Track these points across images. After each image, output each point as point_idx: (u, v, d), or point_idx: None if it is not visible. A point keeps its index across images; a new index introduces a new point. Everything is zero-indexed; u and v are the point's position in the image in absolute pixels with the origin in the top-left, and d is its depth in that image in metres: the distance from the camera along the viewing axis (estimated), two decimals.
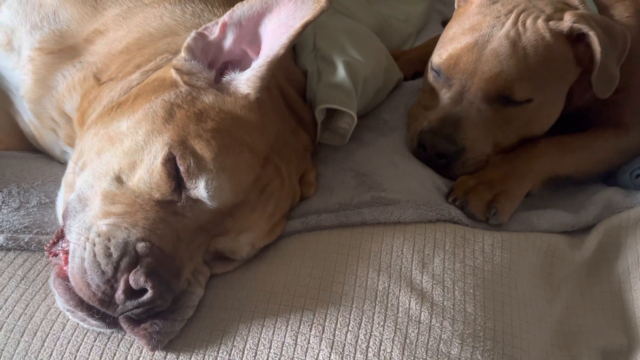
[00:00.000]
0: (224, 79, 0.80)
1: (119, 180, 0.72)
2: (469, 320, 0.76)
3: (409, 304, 0.75)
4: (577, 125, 1.09)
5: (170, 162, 0.70)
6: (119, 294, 0.65)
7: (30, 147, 1.03)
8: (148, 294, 0.65)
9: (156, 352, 0.70)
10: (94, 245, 0.67)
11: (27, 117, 0.98)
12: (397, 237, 0.82)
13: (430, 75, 1.03)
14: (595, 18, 0.96)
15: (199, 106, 0.75)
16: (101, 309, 0.66)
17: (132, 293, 0.66)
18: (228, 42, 0.80)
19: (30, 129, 0.99)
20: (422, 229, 0.84)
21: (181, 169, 0.70)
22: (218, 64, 0.81)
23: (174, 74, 0.78)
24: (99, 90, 0.88)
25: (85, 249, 0.67)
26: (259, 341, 0.71)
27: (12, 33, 0.97)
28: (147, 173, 0.71)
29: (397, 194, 0.87)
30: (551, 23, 0.94)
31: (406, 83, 1.17)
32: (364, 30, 1.11)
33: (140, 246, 0.67)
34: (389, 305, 0.75)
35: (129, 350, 0.70)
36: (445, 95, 0.99)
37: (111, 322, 0.68)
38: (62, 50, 0.94)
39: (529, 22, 0.95)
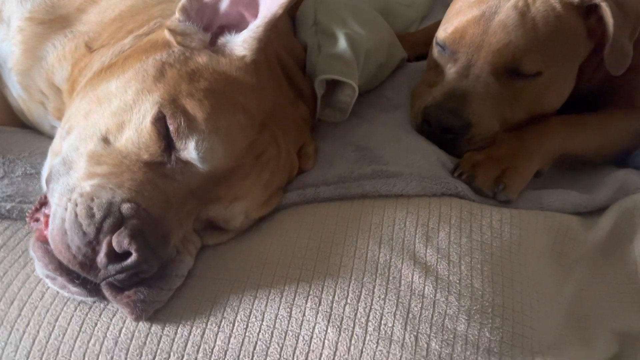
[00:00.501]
0: (219, 41, 0.76)
1: (105, 141, 0.68)
2: (477, 296, 0.71)
3: (412, 278, 0.71)
4: (588, 109, 1.05)
5: (160, 121, 0.66)
6: (101, 257, 0.61)
7: (19, 123, 0.99)
8: (132, 258, 0.61)
9: (140, 323, 0.65)
10: (76, 205, 0.63)
11: (16, 90, 0.94)
12: (400, 210, 0.78)
13: (435, 51, 0.99)
14: None
15: (191, 66, 0.71)
16: (82, 274, 0.62)
17: (115, 256, 0.61)
18: (224, 4, 0.76)
19: (18, 103, 0.96)
20: (426, 202, 0.80)
21: (171, 128, 0.66)
22: (214, 27, 0.78)
23: (167, 34, 0.75)
24: (90, 57, 0.84)
25: (66, 209, 0.63)
26: (250, 313, 0.66)
27: (2, 4, 0.94)
28: (136, 133, 0.67)
29: (400, 167, 0.83)
30: None
31: (410, 64, 1.13)
32: (366, 8, 1.08)
33: (126, 207, 0.63)
34: (391, 278, 0.70)
35: (111, 320, 0.65)
36: (451, 70, 0.95)
37: (92, 290, 0.64)
38: (53, 20, 0.91)
39: None
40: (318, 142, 0.90)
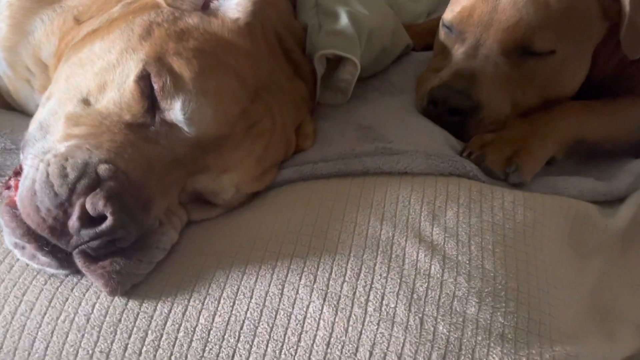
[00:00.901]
0: (212, 4, 0.71)
1: (86, 102, 0.63)
2: (488, 278, 0.64)
3: (417, 256, 0.64)
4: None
5: (144, 80, 0.62)
6: (73, 221, 0.55)
7: (5, 105, 0.95)
8: (107, 222, 0.55)
9: (116, 298, 0.59)
10: (48, 165, 0.57)
11: (1, 68, 0.90)
12: (404, 188, 0.72)
13: (442, 33, 0.95)
14: None
15: (181, 25, 0.67)
16: (52, 240, 0.56)
17: (88, 221, 0.55)
18: None
19: (4, 82, 0.91)
20: (432, 181, 0.74)
21: (156, 87, 0.61)
22: None
23: None
24: (78, 29, 0.80)
25: (37, 169, 0.58)
26: (238, 289, 0.60)
27: None
28: (118, 92, 0.62)
29: (405, 146, 0.77)
30: None
31: (416, 53, 1.08)
32: None
33: (103, 168, 0.57)
34: (393, 256, 0.64)
35: (84, 295, 0.59)
36: (459, 51, 0.90)
37: (64, 260, 0.58)
38: None
39: None
40: (318, 122, 0.85)
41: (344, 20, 0.87)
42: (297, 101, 0.81)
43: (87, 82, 0.64)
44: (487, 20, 0.87)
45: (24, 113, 0.93)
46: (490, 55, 0.87)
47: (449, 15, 0.92)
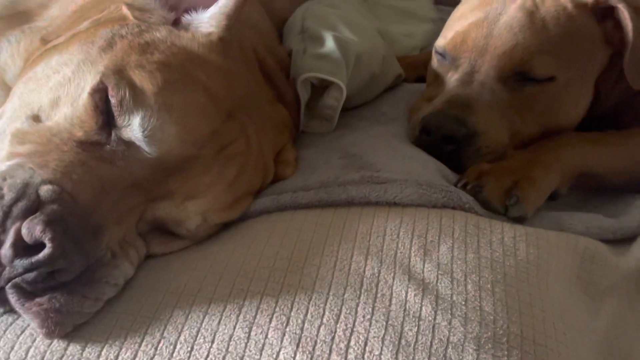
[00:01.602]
0: (183, 18, 0.66)
1: (35, 118, 0.57)
2: (487, 322, 0.56)
3: (406, 295, 0.56)
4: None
5: (100, 93, 0.55)
6: (6, 249, 0.48)
7: None
8: (45, 250, 0.47)
9: (54, 341, 0.50)
10: None
11: None
12: (393, 220, 0.64)
13: (435, 60, 0.89)
14: None
15: (146, 38, 0.61)
16: None
17: (24, 249, 0.48)
18: None
19: None
20: (424, 213, 0.66)
21: (113, 101, 0.55)
22: (180, 9, 0.68)
23: (124, 9, 0.65)
24: (43, 49, 0.75)
25: None
26: (198, 332, 0.52)
27: None
28: (71, 107, 0.56)
29: (394, 174, 0.70)
30: None
31: (408, 84, 1.03)
32: (360, 20, 0.99)
33: (45, 189, 0.50)
34: (379, 295, 0.56)
35: (17, 337, 0.51)
36: (453, 78, 0.84)
37: None
38: (12, 15, 0.83)
39: None
40: (300, 150, 0.78)
41: (329, 44, 0.82)
42: (278, 126, 0.75)
43: (40, 98, 0.58)
44: (482, 46, 0.82)
45: None
46: (487, 81, 0.81)
47: (442, 41, 0.87)
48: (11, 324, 0.52)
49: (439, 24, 1.41)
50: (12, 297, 0.49)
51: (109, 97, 0.55)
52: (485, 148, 0.79)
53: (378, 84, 0.92)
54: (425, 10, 1.41)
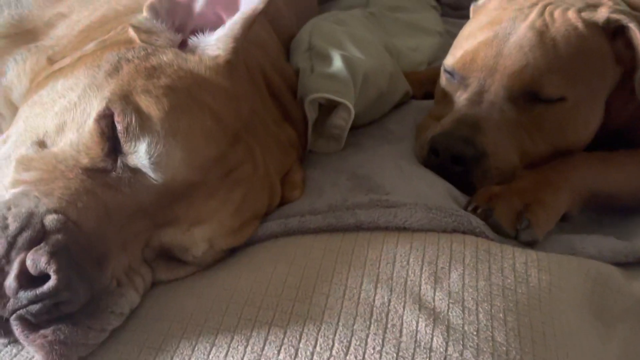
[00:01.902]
0: (190, 41, 0.65)
1: (41, 144, 0.56)
2: (500, 352, 0.55)
3: (417, 326, 0.55)
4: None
5: (106, 119, 0.55)
6: (10, 280, 0.47)
7: None
8: (50, 282, 0.47)
9: None
10: None
11: None
12: (402, 245, 0.63)
13: (443, 79, 0.89)
14: (634, 13, 0.82)
15: (152, 62, 0.60)
16: None
17: (29, 281, 0.47)
18: (199, 4, 0.67)
19: None
20: (434, 238, 0.65)
21: (119, 127, 0.54)
22: (187, 30, 0.68)
23: (130, 32, 0.65)
24: (50, 69, 0.74)
25: None
26: None
27: None
28: (76, 133, 0.55)
29: (403, 198, 0.69)
30: (584, 14, 0.81)
31: (416, 101, 1.02)
32: (367, 36, 0.98)
33: (50, 219, 0.49)
34: (389, 325, 0.55)
35: None
36: (462, 97, 0.84)
37: (1, 327, 0.49)
38: (19, 34, 0.82)
39: (557, 13, 0.81)
40: (308, 170, 0.77)
41: (337, 63, 0.81)
42: (285, 146, 0.74)
43: (45, 123, 0.58)
44: (492, 65, 0.81)
45: None
46: (496, 101, 0.80)
47: (450, 60, 0.86)
48: (15, 355, 0.51)
49: (446, 36, 1.41)
50: (17, 329, 0.48)
51: (115, 123, 0.54)
52: (495, 169, 0.78)
53: (386, 102, 0.91)
54: (432, 22, 1.40)
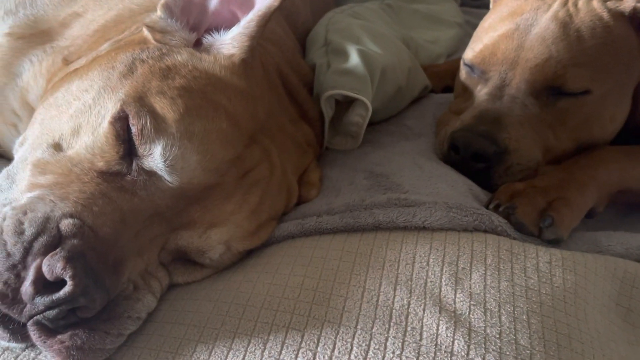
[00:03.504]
0: (204, 40, 0.65)
1: (56, 147, 0.56)
2: (524, 357, 0.53)
3: (437, 329, 0.54)
4: None
5: (120, 122, 0.54)
6: (27, 286, 0.47)
7: None
8: (66, 288, 0.46)
9: None
10: (4, 219, 0.50)
11: None
12: (422, 245, 0.62)
13: (463, 73, 0.87)
14: None
15: (167, 62, 0.60)
16: (1, 309, 0.48)
17: (45, 286, 0.47)
18: (214, 2, 0.66)
19: None
20: (454, 237, 0.64)
21: (134, 129, 0.54)
22: (201, 29, 0.67)
23: (145, 31, 0.64)
24: (65, 70, 0.74)
25: None
26: None
27: None
28: (91, 136, 0.55)
29: (422, 197, 0.67)
30: (609, 3, 0.78)
31: (435, 95, 1.00)
32: (385, 30, 0.97)
33: (66, 223, 0.49)
34: (409, 328, 0.54)
35: None
36: (482, 92, 0.81)
37: (18, 332, 0.49)
38: (34, 34, 0.82)
39: (581, 3, 0.79)
40: (324, 169, 0.76)
41: (354, 58, 0.79)
42: (302, 145, 0.73)
43: (61, 125, 0.57)
44: (513, 59, 0.78)
45: (7, 157, 0.87)
46: (518, 95, 0.78)
47: (470, 53, 0.84)
48: (34, 359, 0.51)
49: (466, 27, 1.38)
50: (34, 334, 0.48)
51: (130, 125, 0.54)
52: (517, 165, 0.76)
53: (404, 97, 0.89)
54: (451, 14, 1.38)
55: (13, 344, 0.51)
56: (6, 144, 0.85)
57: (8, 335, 0.49)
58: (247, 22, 0.62)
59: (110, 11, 0.79)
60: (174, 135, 0.54)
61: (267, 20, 0.62)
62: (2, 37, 0.82)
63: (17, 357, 0.51)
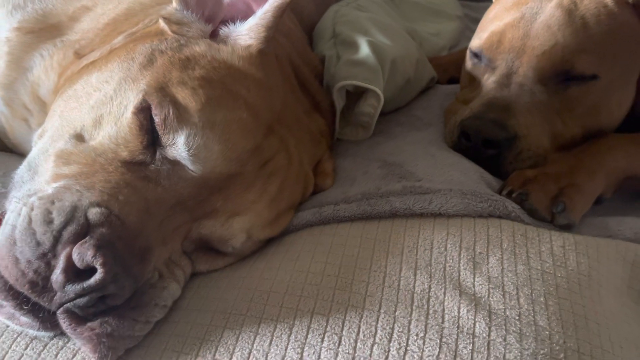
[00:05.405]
0: (221, 31, 0.65)
1: (79, 138, 0.56)
2: (543, 337, 0.54)
3: (459, 312, 0.55)
4: None
5: (144, 112, 0.55)
6: (57, 274, 0.47)
7: (1, 146, 0.89)
8: (97, 275, 0.47)
9: None
10: (32, 209, 0.50)
11: None
12: (439, 231, 0.63)
13: (469, 62, 0.88)
14: None
15: (186, 53, 0.60)
16: (32, 297, 0.48)
17: (75, 274, 0.48)
18: None
19: (0, 121, 0.85)
20: (470, 223, 0.65)
21: (157, 119, 0.54)
22: (217, 21, 0.67)
23: (161, 23, 0.64)
24: (78, 63, 0.74)
25: (19, 214, 0.50)
26: (249, 354, 0.51)
27: None
28: (115, 126, 0.55)
29: (436, 184, 0.68)
30: None
31: (441, 86, 1.01)
32: (391, 22, 0.98)
33: (94, 212, 0.50)
34: (431, 311, 0.55)
35: None
36: (489, 80, 0.83)
37: (47, 320, 0.50)
38: (43, 29, 0.82)
39: None
40: (337, 160, 0.77)
41: (364, 50, 0.80)
42: (316, 136, 0.74)
43: (82, 117, 0.58)
44: (520, 46, 0.79)
45: (21, 155, 0.87)
46: (525, 83, 0.79)
47: (476, 42, 0.85)
48: (62, 348, 0.52)
49: (465, 20, 1.39)
50: (64, 322, 0.49)
51: (152, 115, 0.54)
52: (527, 152, 0.77)
53: (413, 88, 0.90)
54: (451, 6, 1.39)
55: (42, 333, 0.51)
56: (17, 138, 0.85)
57: (38, 323, 0.49)
58: (263, 13, 0.63)
59: (121, 4, 0.79)
60: (196, 124, 0.54)
61: (283, 11, 0.63)
62: (11, 31, 0.82)
63: (45, 345, 0.52)
